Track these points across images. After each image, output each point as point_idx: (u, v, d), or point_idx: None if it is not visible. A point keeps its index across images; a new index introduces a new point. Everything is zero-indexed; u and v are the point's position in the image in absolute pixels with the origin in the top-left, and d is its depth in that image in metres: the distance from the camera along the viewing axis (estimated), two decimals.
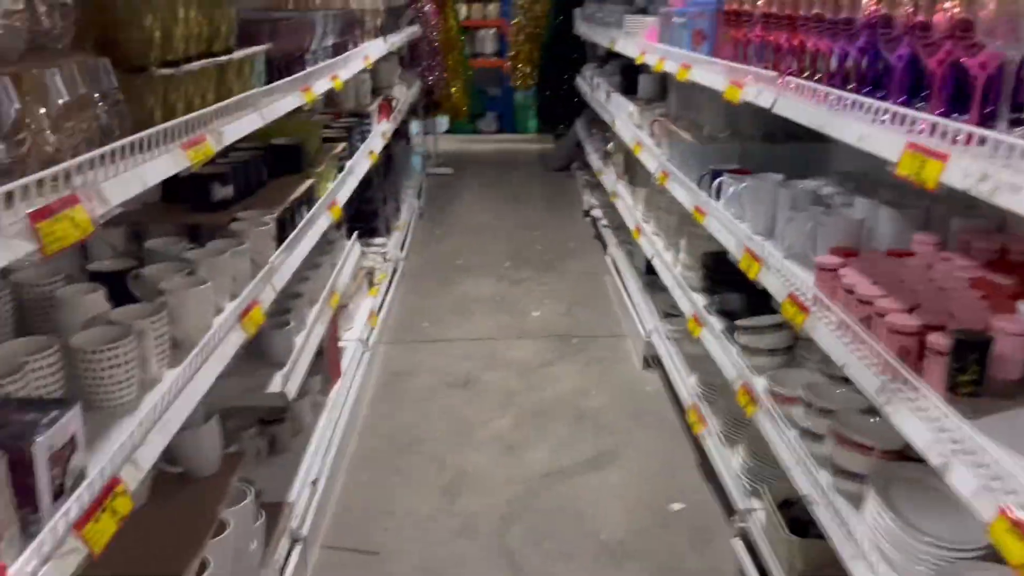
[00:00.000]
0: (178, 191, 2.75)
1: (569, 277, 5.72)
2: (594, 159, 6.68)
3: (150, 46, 1.71)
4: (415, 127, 8.11)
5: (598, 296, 5.37)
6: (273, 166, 3.11)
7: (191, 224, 2.59)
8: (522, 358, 4.49)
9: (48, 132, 1.38)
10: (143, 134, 1.61)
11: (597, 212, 6.52)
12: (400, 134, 6.83)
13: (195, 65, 1.89)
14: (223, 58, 2.08)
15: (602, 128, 6.44)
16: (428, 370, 4.34)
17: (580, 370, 4.36)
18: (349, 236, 4.16)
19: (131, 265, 2.19)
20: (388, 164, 6.03)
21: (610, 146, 5.98)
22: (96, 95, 1.56)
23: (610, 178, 5.72)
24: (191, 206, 2.70)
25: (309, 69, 3.00)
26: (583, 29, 7.50)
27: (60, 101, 1.40)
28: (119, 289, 2.06)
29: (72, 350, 1.64)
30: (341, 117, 4.48)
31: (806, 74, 2.24)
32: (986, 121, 1.50)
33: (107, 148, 1.46)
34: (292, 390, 2.70)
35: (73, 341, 1.66)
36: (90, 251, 2.44)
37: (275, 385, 2.66)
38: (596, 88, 6.50)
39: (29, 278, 1.94)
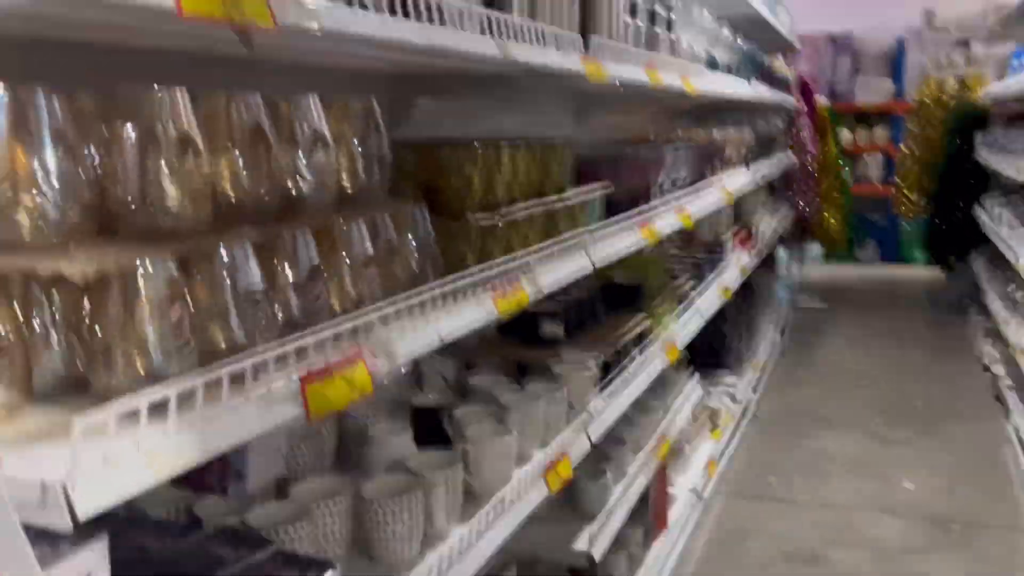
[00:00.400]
0: (512, 324, 2.77)
1: (955, 444, 4.81)
2: (996, 304, 5.69)
3: (469, 193, 1.68)
4: (783, 255, 7.67)
5: (992, 473, 4.41)
6: (609, 303, 3.02)
7: (518, 360, 2.56)
8: (884, 539, 3.78)
9: (347, 281, 1.37)
10: (441, 285, 1.54)
11: (998, 368, 5.49)
12: (764, 263, 6.47)
13: (517, 211, 1.83)
14: (548, 201, 2.00)
15: (1006, 267, 5.50)
16: (768, 535, 3.83)
17: (961, 568, 3.53)
18: (691, 373, 3.90)
19: (449, 402, 2.19)
20: (747, 295, 5.68)
21: (1019, 294, 5.05)
22: (407, 242, 1.54)
23: (1016, 329, 4.79)
24: (521, 340, 2.69)
25: (650, 204, 2.85)
26: (985, 155, 6.67)
27: (363, 252, 1.39)
28: (435, 425, 2.06)
29: (358, 497, 1.60)
30: (694, 247, 4.30)
31: None
32: None
33: (402, 304, 1.40)
34: (600, 549, 2.48)
35: (362, 488, 1.62)
36: (422, 377, 2.51)
37: (582, 541, 2.46)
38: (998, 221, 5.63)
39: (351, 408, 1.99)
